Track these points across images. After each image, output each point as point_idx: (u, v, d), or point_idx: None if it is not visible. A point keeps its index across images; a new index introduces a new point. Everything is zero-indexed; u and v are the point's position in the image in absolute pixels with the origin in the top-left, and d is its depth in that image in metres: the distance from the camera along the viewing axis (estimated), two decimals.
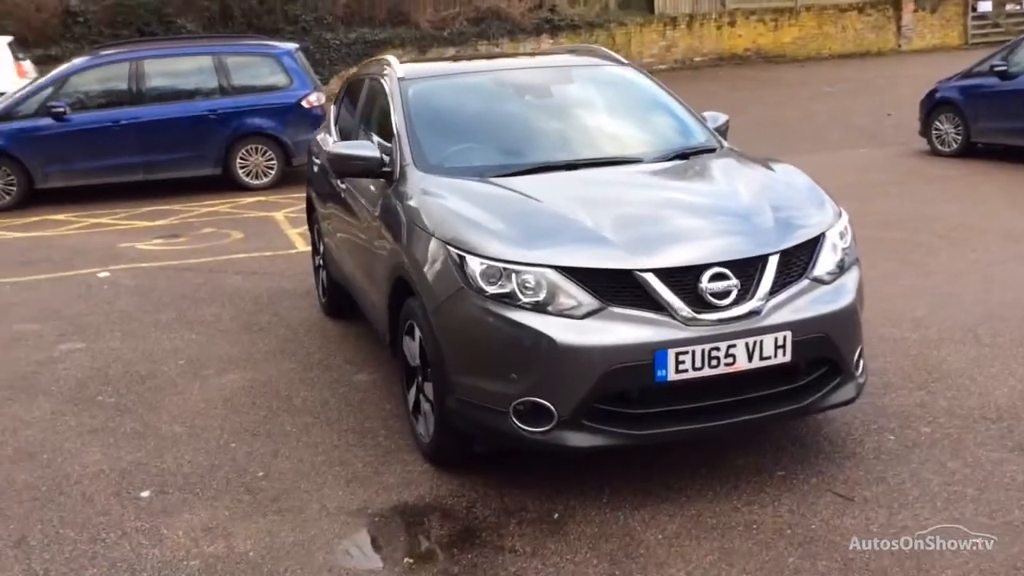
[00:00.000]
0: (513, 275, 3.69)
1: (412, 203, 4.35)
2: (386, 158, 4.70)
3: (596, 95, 5.35)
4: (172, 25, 19.70)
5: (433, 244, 4.00)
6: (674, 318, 3.63)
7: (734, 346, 3.68)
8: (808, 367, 3.92)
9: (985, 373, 5.06)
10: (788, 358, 3.77)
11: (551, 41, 22.49)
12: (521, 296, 3.67)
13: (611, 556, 3.51)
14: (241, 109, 12.10)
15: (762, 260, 3.79)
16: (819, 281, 3.93)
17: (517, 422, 3.70)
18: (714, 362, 3.66)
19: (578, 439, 3.68)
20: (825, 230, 4.05)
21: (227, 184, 11.96)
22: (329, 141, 6.16)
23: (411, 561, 3.54)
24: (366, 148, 4.77)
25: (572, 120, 5.14)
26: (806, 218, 4.11)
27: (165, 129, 11.89)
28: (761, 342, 3.71)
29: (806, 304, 3.84)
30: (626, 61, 5.62)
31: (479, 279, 3.74)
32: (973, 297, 6.35)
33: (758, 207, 4.09)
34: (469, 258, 3.80)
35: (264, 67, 12.63)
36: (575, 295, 3.65)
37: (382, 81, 5.31)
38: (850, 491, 3.91)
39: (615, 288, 3.67)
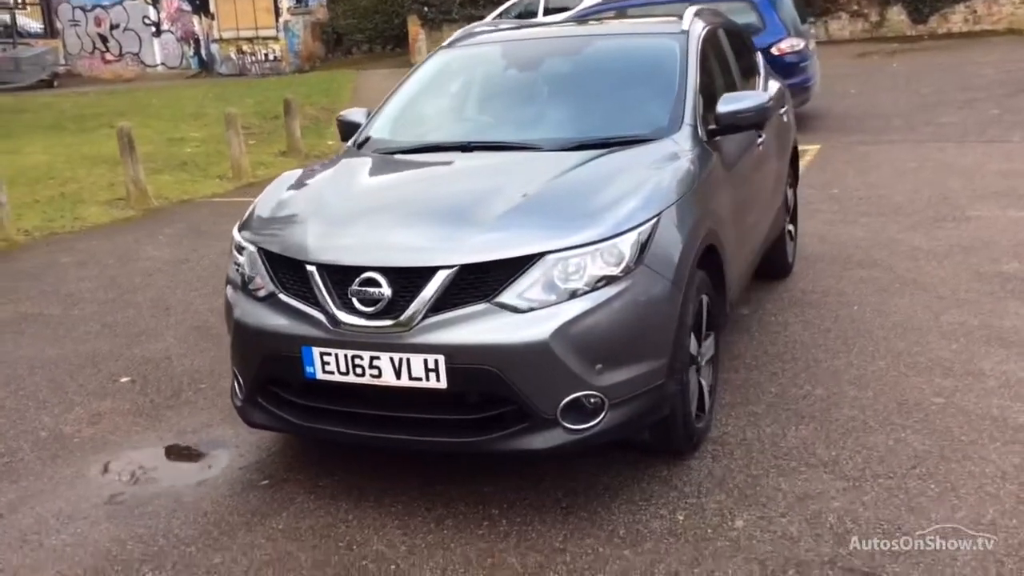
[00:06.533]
0: (245, 251, 3.93)
1: None
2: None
3: (586, 71, 4.83)
4: None
5: None
6: (324, 316, 3.53)
7: (378, 358, 3.43)
8: (487, 402, 3.43)
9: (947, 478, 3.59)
10: (444, 385, 3.37)
11: None
12: (247, 270, 3.90)
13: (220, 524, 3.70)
14: None
15: (430, 272, 3.41)
16: (506, 307, 3.35)
17: (235, 390, 3.98)
18: (359, 370, 3.47)
19: (255, 416, 3.83)
20: (548, 250, 3.38)
21: None
22: None
23: (126, 479, 4.14)
24: (355, 115, 5.09)
25: (520, 98, 4.79)
26: (539, 235, 3.45)
27: None
28: (408, 360, 3.39)
29: (471, 330, 3.34)
30: (685, 29, 4.84)
31: (235, 251, 4.05)
32: None
33: (495, 216, 3.59)
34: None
35: (739, 13, 12.41)
36: (264, 277, 3.76)
37: None
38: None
39: (291, 277, 3.67)
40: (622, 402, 3.45)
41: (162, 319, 6.34)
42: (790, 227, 6.44)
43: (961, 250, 6.67)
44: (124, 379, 5.29)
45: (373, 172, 4.38)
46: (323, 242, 3.66)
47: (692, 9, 5.13)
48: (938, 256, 6.58)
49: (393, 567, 3.35)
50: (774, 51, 11.88)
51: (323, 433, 3.75)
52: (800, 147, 10.90)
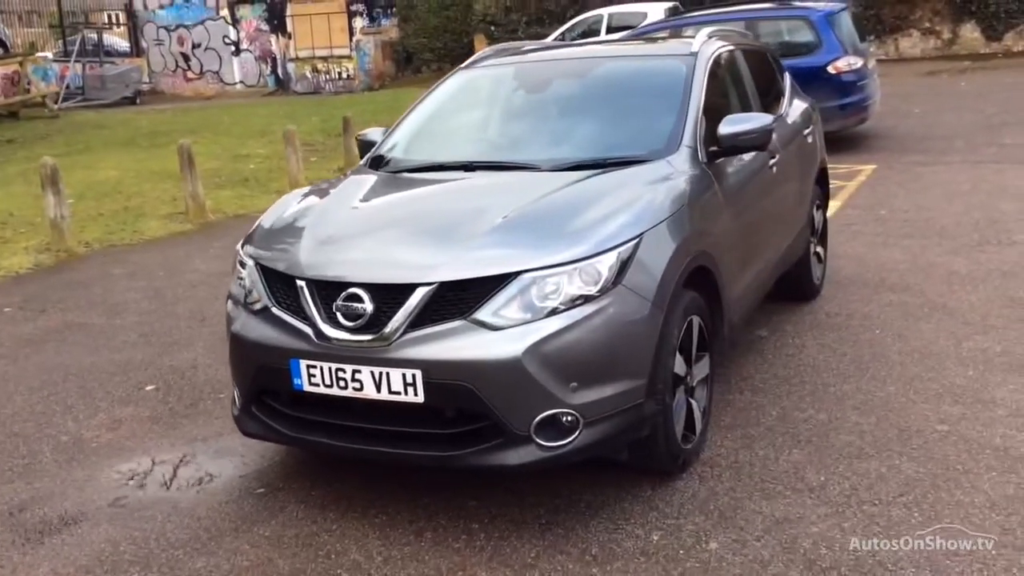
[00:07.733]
0: (246, 265, 4.07)
1: None
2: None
3: (592, 93, 4.86)
4: None
5: None
6: (311, 330, 3.64)
7: (359, 372, 3.53)
8: (464, 417, 3.49)
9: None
10: (421, 399, 3.46)
11: None
12: (246, 284, 4.03)
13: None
14: None
15: (410, 289, 3.49)
16: (483, 324, 3.41)
17: (234, 400, 4.11)
18: (342, 383, 3.57)
19: (249, 426, 3.95)
20: (524, 269, 3.44)
21: None
22: None
23: (132, 483, 4.31)
24: (373, 134, 5.23)
25: (525, 119, 4.88)
26: (517, 254, 3.52)
27: None
28: (388, 374, 3.48)
29: (447, 346, 3.41)
30: (695, 51, 4.86)
31: (238, 265, 4.19)
32: None
33: (478, 234, 3.67)
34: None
35: (795, 31, 12.34)
36: (260, 291, 3.89)
37: None
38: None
39: (284, 291, 3.79)
40: (598, 421, 3.48)
41: (196, 329, 6.56)
42: (818, 249, 6.37)
43: (1000, 275, 6.52)
44: (149, 387, 5.49)
45: (372, 191, 4.49)
46: (313, 258, 3.79)
47: (706, 30, 5.15)
48: (974, 281, 6.43)
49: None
50: (831, 70, 11.71)
51: (309, 444, 3.86)
52: (854, 167, 10.87)
